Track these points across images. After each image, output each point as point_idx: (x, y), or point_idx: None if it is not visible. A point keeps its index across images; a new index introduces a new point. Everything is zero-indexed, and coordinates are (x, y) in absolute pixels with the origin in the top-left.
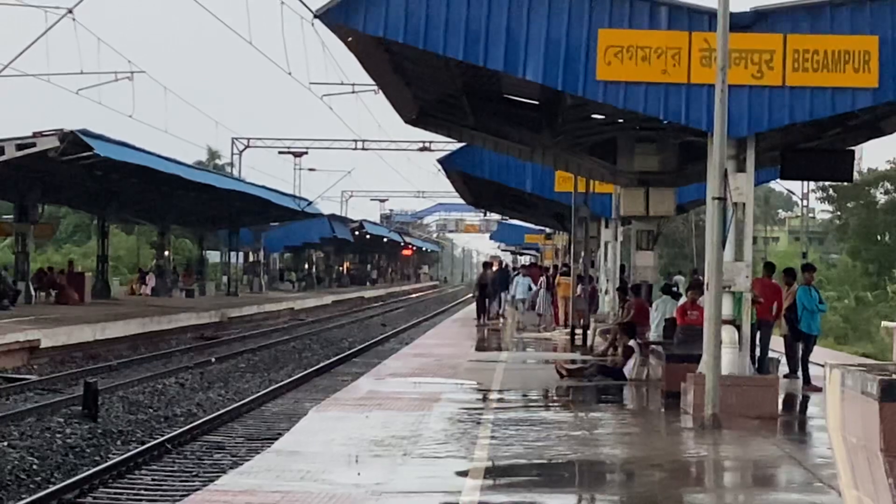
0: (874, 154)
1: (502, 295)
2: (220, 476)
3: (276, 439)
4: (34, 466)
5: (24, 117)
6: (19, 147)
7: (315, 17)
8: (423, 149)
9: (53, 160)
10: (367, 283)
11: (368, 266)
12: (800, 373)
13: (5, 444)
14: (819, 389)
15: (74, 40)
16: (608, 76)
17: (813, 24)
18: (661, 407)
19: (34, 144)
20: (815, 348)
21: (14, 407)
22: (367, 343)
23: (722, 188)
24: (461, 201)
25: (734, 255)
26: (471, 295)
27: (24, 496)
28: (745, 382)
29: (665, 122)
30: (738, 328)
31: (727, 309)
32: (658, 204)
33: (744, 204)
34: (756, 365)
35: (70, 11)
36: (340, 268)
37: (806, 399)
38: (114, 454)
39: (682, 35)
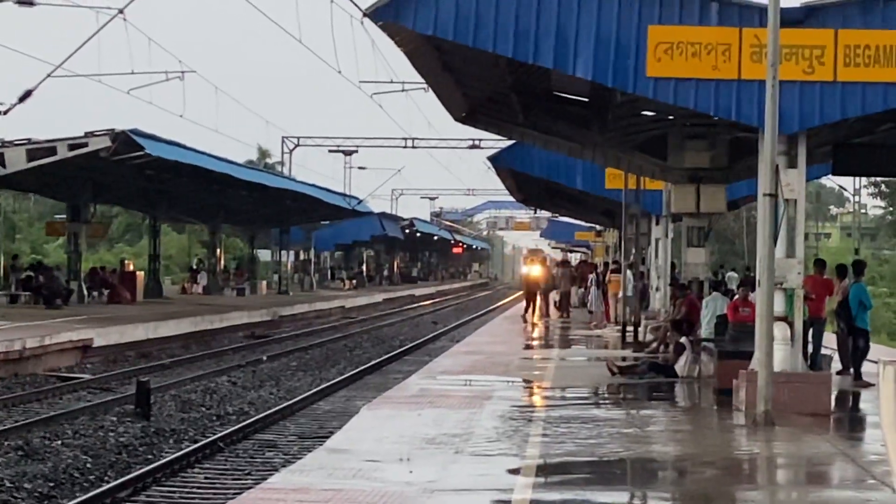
0: None
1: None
2: (272, 474)
3: (328, 437)
4: (87, 465)
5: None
6: (71, 147)
7: (365, 15)
8: (473, 146)
9: (105, 160)
10: (418, 282)
11: (418, 263)
12: (850, 369)
13: (59, 442)
14: (870, 385)
15: (125, 40)
16: (658, 72)
17: (864, 19)
18: (713, 404)
19: (86, 144)
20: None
21: (67, 406)
22: (418, 341)
23: (773, 184)
24: (511, 199)
25: (786, 252)
26: (521, 292)
27: (77, 494)
28: (797, 379)
29: (716, 118)
30: (791, 325)
31: (779, 306)
32: (709, 200)
33: (795, 200)
34: (808, 362)
35: (121, 12)
36: (392, 266)
37: (858, 395)
38: (166, 453)
39: (732, 31)
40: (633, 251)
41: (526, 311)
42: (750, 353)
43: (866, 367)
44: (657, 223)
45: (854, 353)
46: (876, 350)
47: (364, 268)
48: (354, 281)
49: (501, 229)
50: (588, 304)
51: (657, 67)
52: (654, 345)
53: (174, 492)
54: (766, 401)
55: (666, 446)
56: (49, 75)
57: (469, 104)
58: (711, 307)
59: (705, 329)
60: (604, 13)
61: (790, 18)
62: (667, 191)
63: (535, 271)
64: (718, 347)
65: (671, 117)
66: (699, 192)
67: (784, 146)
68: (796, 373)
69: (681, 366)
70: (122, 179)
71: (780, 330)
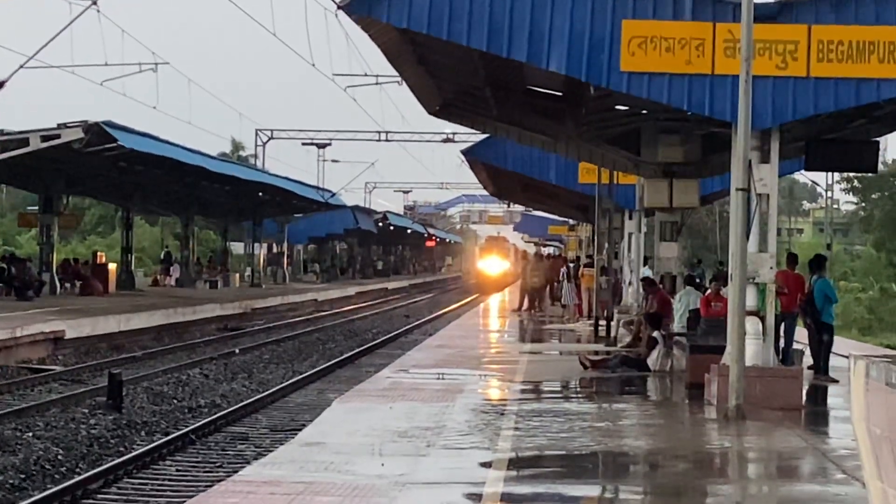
0: None
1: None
2: (244, 467)
3: (300, 430)
4: (59, 457)
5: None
6: (44, 138)
7: (339, 8)
8: (447, 140)
9: (78, 151)
10: (390, 275)
11: (391, 257)
12: (810, 363)
13: (30, 434)
14: (834, 381)
15: (99, 32)
16: (632, 67)
17: (837, 15)
18: (684, 398)
19: (59, 136)
20: (839, 339)
21: (39, 398)
22: (390, 334)
23: (746, 179)
24: (485, 192)
25: (758, 247)
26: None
27: (49, 486)
28: (769, 374)
29: (689, 113)
30: (763, 319)
31: (751, 300)
32: (682, 195)
33: (768, 195)
34: (780, 356)
35: (94, 3)
36: (365, 259)
37: (827, 390)
38: (138, 445)
39: (706, 26)
40: (606, 246)
41: (520, 306)
42: (722, 348)
43: (835, 362)
44: (630, 217)
45: (819, 348)
46: (847, 345)
47: (337, 261)
48: (326, 274)
49: (475, 223)
50: (561, 299)
51: (631, 62)
52: (628, 339)
53: (146, 484)
54: (737, 395)
55: (638, 440)
56: (22, 66)
57: (443, 98)
58: (684, 301)
59: (678, 323)
60: (577, 7)
61: (764, 14)
62: (640, 185)
63: (494, 266)
64: (690, 342)
65: (644, 112)
66: (672, 186)
67: (757, 141)
68: (768, 367)
69: (653, 360)
70: (94, 171)
71: (751, 324)
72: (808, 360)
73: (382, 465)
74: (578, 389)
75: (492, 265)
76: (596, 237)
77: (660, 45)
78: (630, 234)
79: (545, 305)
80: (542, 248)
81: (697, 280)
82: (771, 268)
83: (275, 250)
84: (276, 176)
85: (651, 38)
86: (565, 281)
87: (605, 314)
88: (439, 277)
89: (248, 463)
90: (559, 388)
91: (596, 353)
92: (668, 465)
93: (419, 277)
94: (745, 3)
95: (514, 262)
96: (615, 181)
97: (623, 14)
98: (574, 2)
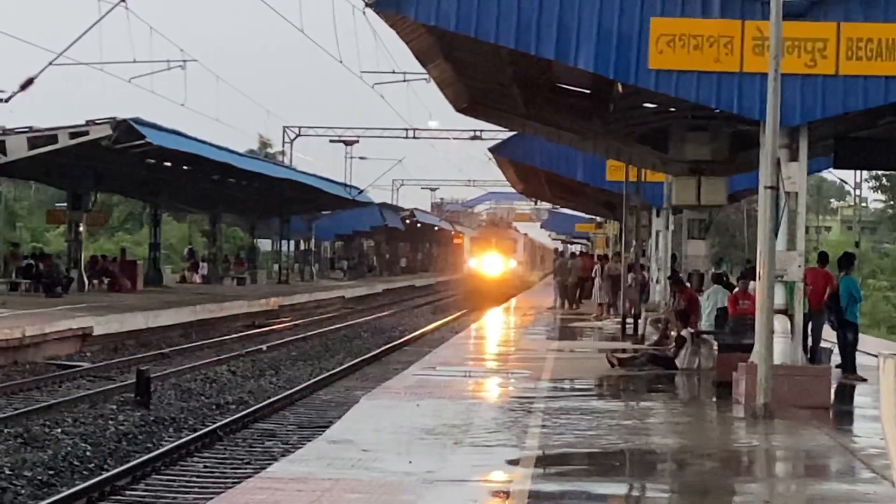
0: None
1: None
2: (271, 463)
3: (328, 427)
4: (87, 453)
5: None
6: (72, 135)
7: (367, 5)
8: (475, 137)
9: (106, 148)
10: (418, 272)
11: (418, 254)
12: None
13: (59, 430)
14: (863, 379)
15: (127, 29)
16: (660, 65)
17: (866, 13)
18: (712, 396)
19: (87, 133)
20: (868, 338)
21: (67, 394)
22: (417, 331)
23: (774, 177)
24: (512, 190)
25: (786, 245)
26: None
27: (77, 482)
28: (797, 372)
29: (717, 110)
30: (791, 318)
31: (779, 298)
32: (710, 193)
33: (796, 193)
34: (808, 355)
35: (123, 0)
36: (392, 256)
37: (855, 389)
38: (166, 441)
39: (734, 23)
40: (633, 244)
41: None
42: (750, 346)
43: (864, 360)
44: (658, 215)
45: (843, 347)
46: (875, 343)
47: (364, 258)
48: (353, 271)
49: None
50: (593, 297)
51: (659, 60)
52: (656, 337)
53: (173, 480)
54: (765, 393)
55: (665, 438)
56: (51, 63)
57: (471, 95)
58: (712, 299)
59: (705, 321)
60: (606, 5)
61: (793, 11)
62: (668, 183)
63: (492, 265)
64: (718, 340)
65: (673, 109)
66: (700, 184)
67: (786, 139)
68: (796, 366)
69: (681, 358)
70: (122, 168)
71: (780, 323)
72: (836, 358)
73: (410, 462)
74: (606, 387)
75: (489, 264)
76: (623, 235)
77: (688, 42)
78: (658, 232)
79: (579, 303)
80: (569, 246)
81: (724, 278)
82: (799, 266)
83: (302, 247)
84: (304, 173)
85: (679, 35)
86: (597, 278)
87: (633, 312)
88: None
89: (276, 460)
90: (586, 386)
91: (623, 350)
92: (695, 463)
93: (446, 274)
94: (773, 1)
95: (525, 258)
96: (643, 179)
97: (651, 11)
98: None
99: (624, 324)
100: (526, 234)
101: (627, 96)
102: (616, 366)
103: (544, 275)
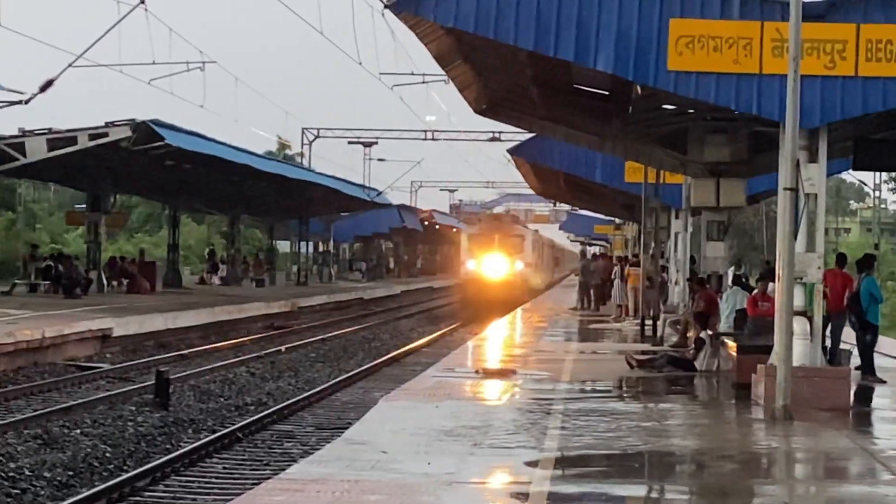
0: None
1: None
2: (290, 465)
3: (346, 428)
4: (107, 454)
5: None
6: (92, 137)
7: (386, 7)
8: (493, 139)
9: (125, 150)
10: (437, 274)
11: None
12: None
13: (78, 431)
14: (882, 381)
15: (146, 31)
16: (679, 66)
17: (886, 14)
18: (731, 398)
19: (107, 134)
20: (888, 340)
21: (86, 395)
22: (436, 333)
23: (794, 179)
24: (530, 191)
25: (806, 246)
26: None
27: (96, 483)
28: (816, 374)
29: (736, 112)
30: (810, 319)
31: (799, 300)
32: (729, 194)
33: (815, 195)
34: (827, 356)
35: (142, 2)
36: (410, 258)
37: (874, 391)
38: (185, 443)
39: (754, 25)
40: (652, 246)
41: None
42: (769, 348)
43: (883, 362)
44: (676, 217)
45: (863, 348)
46: (895, 346)
47: (383, 260)
48: (372, 272)
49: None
50: (613, 298)
51: (678, 61)
52: (677, 339)
53: (193, 481)
54: (784, 395)
55: (684, 440)
56: (70, 65)
57: (489, 96)
58: (731, 301)
59: (724, 323)
60: (625, 6)
61: (812, 13)
62: (686, 184)
63: (494, 268)
64: (737, 342)
65: (692, 111)
66: (719, 185)
67: (805, 141)
68: (815, 367)
69: (700, 360)
70: (142, 170)
71: (799, 324)
72: (855, 360)
73: (429, 463)
74: (625, 389)
75: (490, 266)
76: (642, 236)
77: (707, 44)
78: (676, 234)
79: (601, 305)
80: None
81: (744, 279)
82: (818, 267)
83: (321, 249)
84: (323, 174)
85: (698, 37)
86: (617, 280)
87: (652, 314)
88: None
89: (295, 461)
90: (605, 388)
91: (642, 352)
92: (714, 465)
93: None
94: (793, 3)
95: (534, 259)
96: (662, 180)
97: (670, 13)
98: (621, 1)
99: (643, 325)
100: (536, 231)
101: (646, 98)
102: (635, 367)
103: (559, 278)
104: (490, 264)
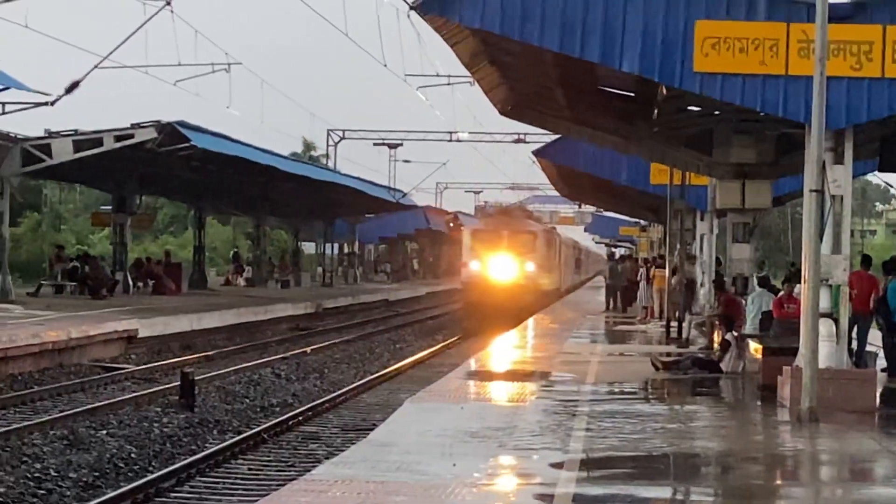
0: None
1: None
2: (315, 466)
3: (372, 430)
4: (132, 455)
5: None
6: (118, 138)
7: (411, 8)
8: (518, 141)
9: (151, 151)
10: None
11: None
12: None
13: (104, 432)
14: None
15: (172, 32)
16: (705, 67)
17: None
18: (757, 400)
19: (132, 136)
20: None
21: (112, 396)
22: (461, 334)
23: (819, 180)
24: (556, 193)
25: (832, 248)
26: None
27: (122, 484)
28: (842, 376)
29: (762, 113)
30: (836, 321)
31: (824, 302)
32: (754, 196)
33: (841, 196)
34: (853, 358)
35: (168, 3)
36: (434, 259)
37: None
38: (210, 444)
39: (780, 26)
40: (678, 248)
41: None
42: (795, 350)
43: None
44: (702, 219)
45: (889, 350)
46: None
47: (409, 261)
48: (397, 274)
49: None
50: (639, 300)
51: (704, 62)
52: (702, 341)
53: (218, 482)
54: (810, 397)
55: (710, 442)
56: (96, 66)
57: (515, 98)
58: (757, 303)
59: (750, 325)
60: (651, 8)
61: (838, 14)
62: (712, 186)
63: (501, 268)
64: (763, 343)
65: (717, 112)
66: (745, 187)
67: (831, 142)
68: (841, 369)
69: (725, 361)
70: (167, 171)
71: (825, 326)
72: (882, 362)
73: (454, 465)
74: (650, 391)
75: (496, 268)
76: (668, 238)
77: (733, 45)
78: (702, 236)
79: (628, 306)
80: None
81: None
82: (844, 269)
83: (346, 250)
84: (348, 176)
85: (724, 38)
86: (643, 281)
87: (677, 316)
88: None
89: (320, 462)
90: (631, 390)
91: (668, 354)
92: (740, 467)
93: None
94: (819, 4)
95: (547, 260)
96: (687, 182)
97: (696, 14)
98: (647, 2)
99: (668, 327)
100: (552, 228)
101: (672, 99)
102: (660, 369)
103: (581, 282)
104: (496, 265)
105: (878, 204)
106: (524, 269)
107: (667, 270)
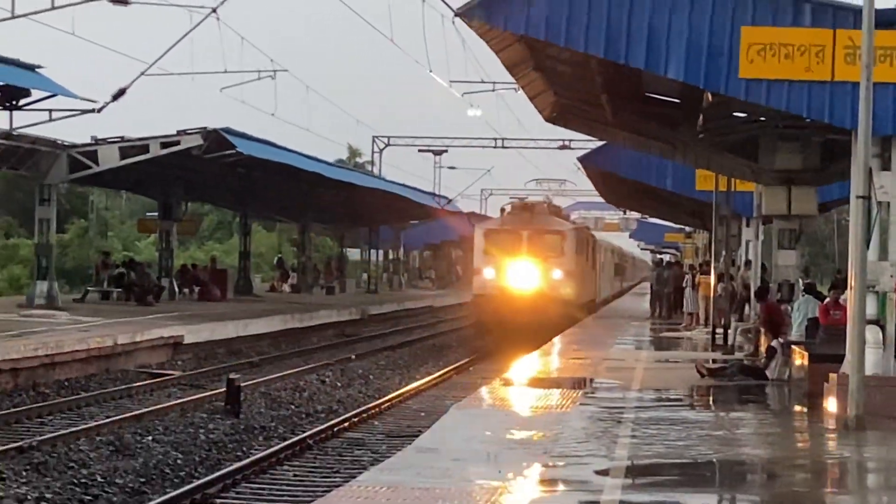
0: None
1: None
2: (361, 472)
3: (417, 436)
4: (178, 461)
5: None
6: (164, 145)
7: (456, 15)
8: (563, 147)
9: (197, 158)
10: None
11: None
12: None
13: (150, 438)
14: None
15: (218, 39)
16: (751, 74)
17: None
18: (803, 407)
19: (178, 142)
20: None
21: (158, 402)
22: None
23: (866, 187)
24: (601, 199)
25: (878, 255)
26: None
27: (168, 490)
28: (889, 383)
29: (808, 120)
30: (883, 328)
31: (871, 309)
32: (800, 202)
33: (888, 203)
34: None
35: (214, 11)
36: None
37: None
38: (256, 450)
39: (826, 32)
40: (723, 254)
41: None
42: (841, 357)
43: None
44: (748, 225)
45: None
46: None
47: (454, 267)
48: (442, 280)
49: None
50: (685, 307)
51: (749, 69)
52: (747, 348)
53: (263, 488)
54: (857, 405)
55: (756, 449)
56: (142, 73)
57: (560, 104)
58: (803, 310)
59: (796, 331)
60: (696, 14)
61: (885, 20)
62: (758, 192)
63: (520, 276)
64: (809, 350)
65: (763, 119)
66: (790, 193)
67: (878, 148)
68: (888, 377)
69: (771, 368)
70: (213, 177)
71: (871, 333)
72: None
73: (500, 471)
74: (696, 398)
75: (514, 276)
76: (713, 245)
77: (779, 51)
78: (748, 242)
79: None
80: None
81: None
82: (891, 276)
83: (391, 256)
84: (393, 182)
85: (770, 44)
86: (688, 288)
87: (723, 322)
88: None
89: (366, 468)
90: (676, 396)
91: (713, 361)
92: (786, 474)
93: None
94: (866, 10)
95: (578, 266)
96: (733, 188)
97: (742, 21)
98: (693, 8)
99: (713, 334)
100: (584, 228)
101: (717, 105)
102: (706, 376)
103: (622, 290)
104: (514, 273)
105: None
106: (549, 277)
107: (712, 277)
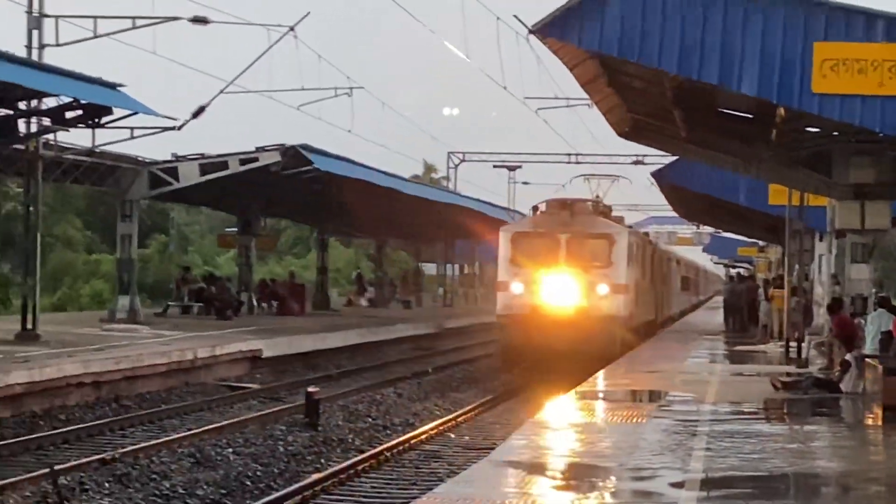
0: None
1: None
2: (437, 485)
3: (493, 449)
4: (257, 473)
5: (247, 133)
6: (243, 162)
7: (531, 32)
8: (637, 162)
9: (275, 174)
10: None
11: None
12: None
13: (230, 450)
14: None
15: (296, 57)
16: (824, 89)
17: None
18: (878, 420)
19: (257, 159)
20: None
21: (238, 415)
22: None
23: None
24: (674, 214)
25: None
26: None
27: (247, 502)
28: None
29: (881, 134)
30: None
31: None
32: (874, 217)
33: None
34: None
35: (292, 29)
36: None
37: None
38: (334, 462)
39: None
40: (797, 268)
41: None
42: None
43: None
44: (821, 239)
45: None
46: None
47: None
48: None
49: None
50: (759, 320)
51: (822, 84)
52: (821, 361)
53: (342, 500)
54: None
55: (830, 462)
56: (222, 91)
57: (633, 120)
58: (876, 323)
59: (869, 345)
60: (769, 30)
61: None
62: (831, 207)
63: (556, 291)
64: (884, 363)
65: (836, 133)
66: (864, 208)
67: None
68: None
69: (845, 382)
70: (291, 193)
71: None
72: None
73: (573, 483)
74: (770, 411)
75: (549, 290)
76: (786, 259)
77: (852, 66)
78: (821, 256)
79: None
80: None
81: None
82: None
83: (466, 270)
84: (468, 198)
85: (843, 60)
86: (763, 301)
87: (797, 336)
88: None
89: (442, 481)
90: (750, 410)
91: (787, 374)
92: (860, 487)
93: None
94: None
95: (634, 280)
96: (806, 202)
97: (815, 36)
98: (766, 24)
99: (788, 347)
100: (643, 233)
101: (790, 120)
102: (780, 389)
103: (690, 308)
104: (549, 288)
105: None
106: (593, 293)
107: (786, 291)
